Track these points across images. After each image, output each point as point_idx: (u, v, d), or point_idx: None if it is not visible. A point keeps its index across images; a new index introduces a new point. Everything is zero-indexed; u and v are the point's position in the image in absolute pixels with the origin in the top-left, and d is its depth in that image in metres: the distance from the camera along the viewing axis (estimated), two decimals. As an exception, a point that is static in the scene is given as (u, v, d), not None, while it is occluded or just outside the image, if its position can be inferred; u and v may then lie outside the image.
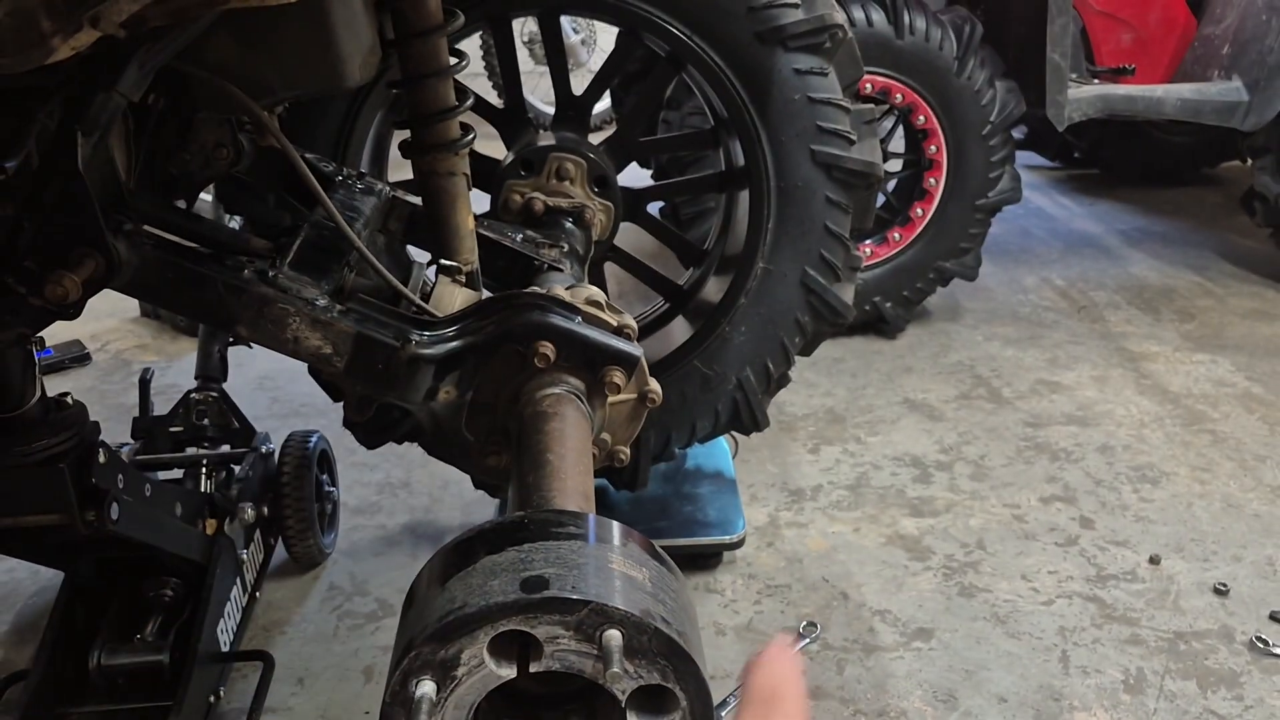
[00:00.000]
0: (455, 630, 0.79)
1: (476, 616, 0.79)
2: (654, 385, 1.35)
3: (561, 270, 1.65)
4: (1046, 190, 5.13)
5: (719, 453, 2.51)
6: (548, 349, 1.26)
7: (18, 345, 1.29)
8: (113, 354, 3.42)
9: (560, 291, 1.33)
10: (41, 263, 1.10)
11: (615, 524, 0.91)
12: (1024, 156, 4.54)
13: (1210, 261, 4.12)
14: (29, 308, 1.11)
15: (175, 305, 1.21)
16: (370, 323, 1.25)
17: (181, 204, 1.44)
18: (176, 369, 3.25)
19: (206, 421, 2.18)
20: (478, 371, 1.28)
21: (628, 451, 1.39)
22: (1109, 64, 3.69)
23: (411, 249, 1.84)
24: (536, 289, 1.39)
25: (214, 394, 2.20)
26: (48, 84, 1.17)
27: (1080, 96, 3.38)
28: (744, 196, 2.09)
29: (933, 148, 3.21)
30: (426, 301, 1.35)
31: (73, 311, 1.12)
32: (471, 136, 1.43)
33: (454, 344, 1.28)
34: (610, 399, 1.31)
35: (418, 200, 1.64)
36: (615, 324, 1.33)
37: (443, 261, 1.40)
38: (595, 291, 1.37)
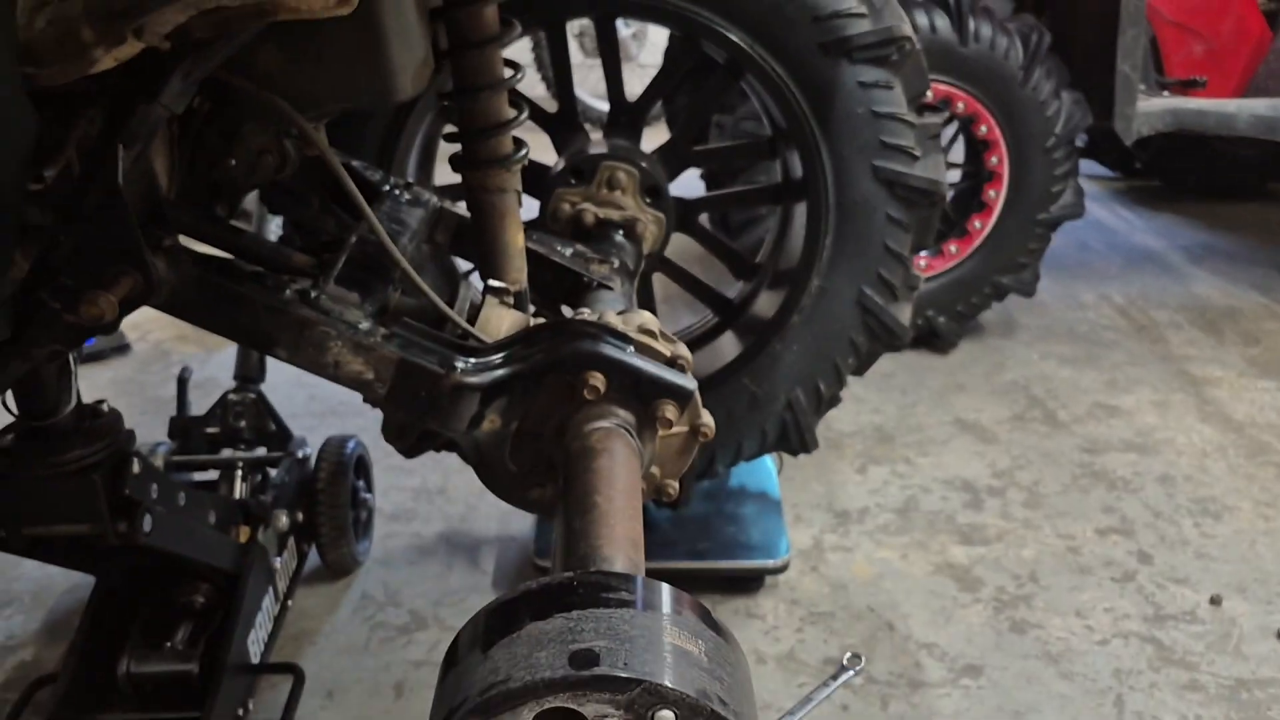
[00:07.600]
0: (498, 705, 0.74)
1: (521, 691, 0.74)
2: (706, 419, 1.29)
3: (611, 288, 1.59)
4: (1106, 202, 4.99)
5: (764, 471, 2.44)
6: (598, 380, 1.20)
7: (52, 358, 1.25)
8: (153, 344, 3.41)
9: (612, 318, 1.27)
10: (77, 279, 1.05)
11: (668, 589, 0.86)
12: (1083, 165, 4.38)
13: (1276, 282, 3.97)
14: (63, 325, 1.07)
15: (213, 325, 1.16)
16: (414, 348, 1.20)
17: (223, 212, 1.39)
18: (215, 361, 3.23)
19: (243, 423, 2.15)
20: (524, 401, 1.22)
21: (676, 485, 1.33)
22: (1179, 75, 3.55)
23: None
24: (586, 314, 1.33)
25: (252, 395, 2.17)
26: (89, 90, 1.13)
27: (1149, 110, 3.26)
28: (800, 210, 2.02)
29: (994, 159, 3.11)
30: (473, 323, 1.29)
31: (109, 329, 1.08)
32: (525, 152, 1.37)
33: (500, 372, 1.22)
34: (661, 433, 1.25)
35: (465, 210, 1.58)
36: (668, 354, 1.27)
37: (491, 283, 1.34)
38: (648, 318, 1.31)
